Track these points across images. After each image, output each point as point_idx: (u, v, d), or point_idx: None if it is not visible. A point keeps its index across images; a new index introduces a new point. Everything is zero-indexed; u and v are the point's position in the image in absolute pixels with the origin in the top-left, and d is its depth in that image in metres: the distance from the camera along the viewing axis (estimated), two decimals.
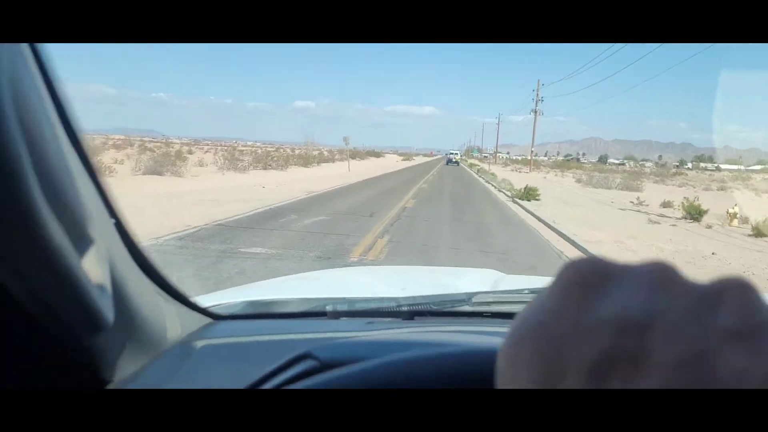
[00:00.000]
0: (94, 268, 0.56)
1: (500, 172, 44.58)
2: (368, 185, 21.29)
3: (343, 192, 17.33)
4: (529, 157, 58.03)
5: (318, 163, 48.58)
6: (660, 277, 0.26)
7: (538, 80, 50.55)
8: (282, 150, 73.16)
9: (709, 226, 12.56)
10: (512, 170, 57.62)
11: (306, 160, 46.89)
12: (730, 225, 12.74)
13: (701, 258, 8.72)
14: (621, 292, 0.26)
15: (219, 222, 9.44)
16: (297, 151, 62.14)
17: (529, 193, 17.64)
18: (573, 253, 8.77)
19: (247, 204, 12.06)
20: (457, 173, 40.18)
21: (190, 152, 48.86)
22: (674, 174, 68.26)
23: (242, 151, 58.80)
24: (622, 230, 11.15)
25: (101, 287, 0.58)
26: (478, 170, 43.42)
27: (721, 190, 34.95)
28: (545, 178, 39.35)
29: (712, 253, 9.04)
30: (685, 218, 13.54)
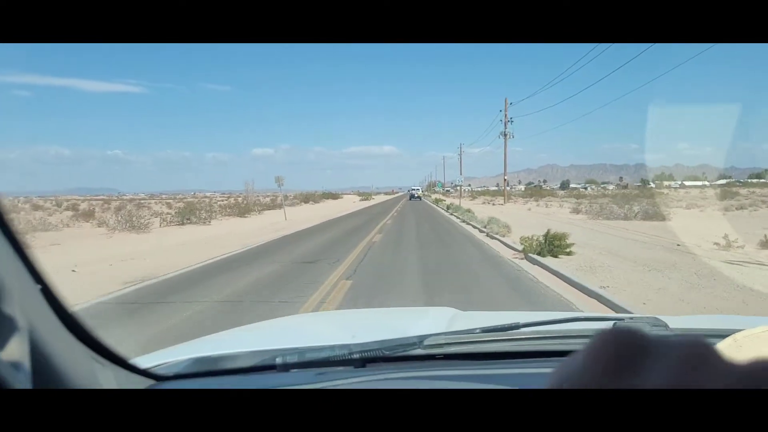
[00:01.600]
0: (11, 340, 0.54)
1: (473, 206, 37.44)
2: (290, 244, 13.50)
3: (224, 267, 9.45)
4: (495, 187, 51.51)
5: (260, 211, 41.31)
6: (697, 356, 0.26)
7: (506, 99, 44.37)
8: (234, 198, 65.99)
9: None
10: (484, 203, 50.80)
11: (244, 210, 39.61)
12: None
13: None
14: (656, 370, 0.25)
15: None
16: (249, 198, 54.73)
17: (555, 244, 10.17)
18: None
19: None
20: (424, 211, 32.78)
21: (120, 209, 43.31)
22: (653, 194, 63.28)
23: (188, 202, 51.77)
24: None
25: (17, 363, 0.55)
26: (447, 206, 36.13)
27: (742, 209, 28.65)
28: (530, 210, 32.31)
29: None
30: None
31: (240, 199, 65.69)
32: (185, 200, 66.04)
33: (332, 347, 1.19)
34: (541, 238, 10.42)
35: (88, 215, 33.10)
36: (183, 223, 27.35)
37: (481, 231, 16.89)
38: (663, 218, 20.68)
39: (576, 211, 27.50)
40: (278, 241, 14.70)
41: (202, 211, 31.31)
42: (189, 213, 29.76)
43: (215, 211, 36.06)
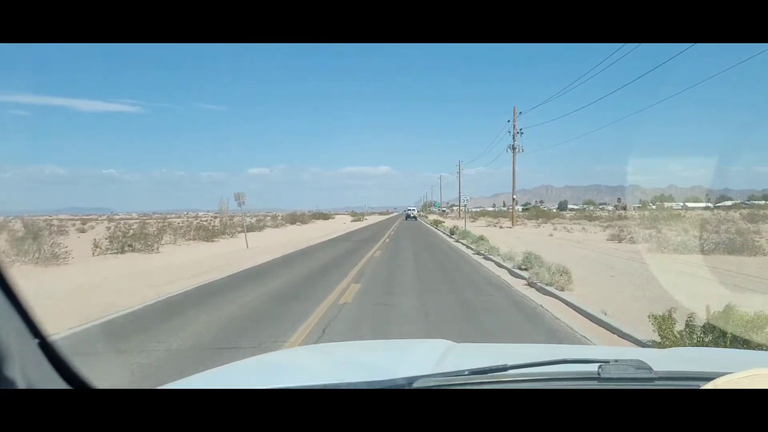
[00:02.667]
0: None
1: (477, 229, 31.73)
2: (203, 301, 7.79)
3: None
4: (492, 208, 45.80)
5: (231, 234, 35.51)
6: None
7: (515, 108, 38.84)
8: (219, 219, 60.93)
9: None
10: (488, 225, 45.08)
11: (213, 233, 33.94)
12: None
13: None
14: None
15: None
16: (235, 219, 49.31)
17: (739, 336, 4.47)
18: None
19: None
20: (423, 237, 27.11)
21: (83, 231, 39.21)
22: (671, 216, 57.73)
23: (151, 223, 46.66)
24: None
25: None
26: (450, 230, 30.42)
27: None
28: (551, 236, 26.59)
29: None
30: None
31: (225, 219, 60.05)
32: (168, 220, 60.90)
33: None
34: (695, 321, 4.71)
35: (32, 239, 27.39)
36: (123, 251, 21.73)
37: (513, 273, 11.16)
38: (755, 250, 15.08)
39: (616, 238, 21.81)
40: (190, 294, 8.87)
41: (152, 237, 25.41)
42: (131, 239, 23.81)
43: (180, 234, 30.60)
